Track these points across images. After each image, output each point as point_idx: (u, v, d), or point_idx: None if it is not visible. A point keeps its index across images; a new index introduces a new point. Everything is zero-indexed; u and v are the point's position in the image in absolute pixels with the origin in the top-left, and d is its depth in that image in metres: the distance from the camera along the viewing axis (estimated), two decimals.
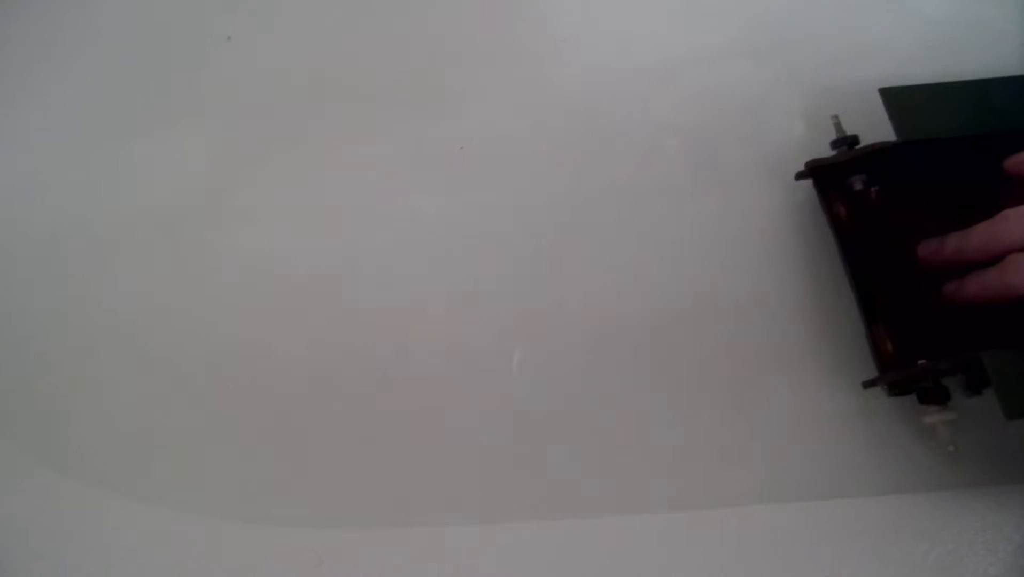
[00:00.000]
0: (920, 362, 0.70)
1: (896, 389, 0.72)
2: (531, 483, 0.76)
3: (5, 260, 0.85)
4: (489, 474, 0.77)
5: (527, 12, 0.97)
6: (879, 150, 0.75)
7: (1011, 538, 0.58)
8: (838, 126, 0.81)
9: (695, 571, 0.63)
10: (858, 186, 0.77)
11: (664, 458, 0.76)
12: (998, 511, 0.63)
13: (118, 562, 0.66)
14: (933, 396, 0.72)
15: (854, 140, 0.79)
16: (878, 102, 0.78)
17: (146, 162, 0.88)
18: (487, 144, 0.89)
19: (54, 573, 0.63)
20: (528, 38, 0.95)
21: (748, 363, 0.78)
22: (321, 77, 0.92)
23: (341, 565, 0.68)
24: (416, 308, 0.82)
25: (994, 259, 0.66)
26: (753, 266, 0.81)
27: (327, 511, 0.75)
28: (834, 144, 0.80)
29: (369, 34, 0.94)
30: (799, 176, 0.80)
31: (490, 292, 0.83)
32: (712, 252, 0.82)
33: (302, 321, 0.81)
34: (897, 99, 0.75)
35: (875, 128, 0.78)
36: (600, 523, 0.73)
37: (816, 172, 0.79)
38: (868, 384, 0.73)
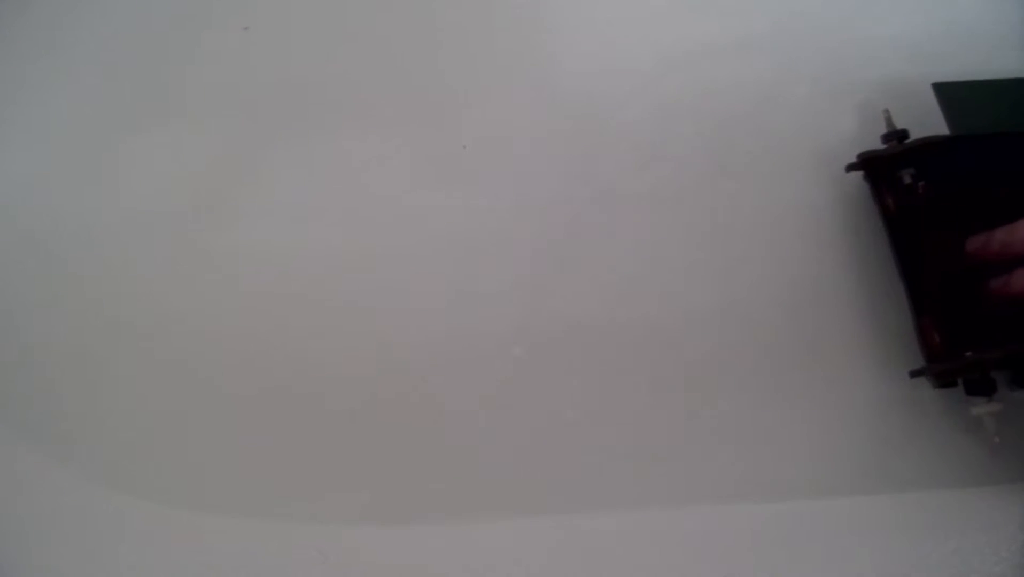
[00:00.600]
0: (967, 354, 0.71)
1: (943, 380, 0.73)
2: (561, 478, 0.77)
3: (5, 258, 0.85)
4: (500, 472, 0.77)
5: (530, 11, 0.96)
6: (930, 144, 0.76)
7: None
8: (888, 120, 0.81)
9: (734, 564, 0.65)
10: (907, 180, 0.78)
11: (707, 451, 0.77)
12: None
13: (117, 557, 0.68)
14: (980, 388, 0.73)
15: (904, 134, 0.80)
16: (927, 97, 0.79)
17: (145, 161, 0.88)
18: (491, 143, 0.89)
19: (52, 567, 0.64)
20: (533, 37, 0.95)
21: (795, 354, 0.79)
22: (323, 76, 0.92)
23: (344, 561, 0.69)
24: (418, 306, 0.83)
25: None
26: (802, 257, 0.82)
27: (329, 507, 0.76)
28: (885, 138, 0.81)
29: (371, 34, 0.94)
30: (850, 168, 0.81)
31: (494, 291, 0.83)
32: (760, 243, 0.83)
33: (302, 319, 0.82)
34: (950, 94, 0.76)
35: (924, 123, 0.79)
36: (644, 516, 0.75)
37: (867, 164, 0.80)
38: (915, 373, 0.74)
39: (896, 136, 0.80)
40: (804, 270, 0.83)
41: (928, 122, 0.79)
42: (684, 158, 0.87)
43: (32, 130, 0.91)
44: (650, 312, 0.82)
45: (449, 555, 0.70)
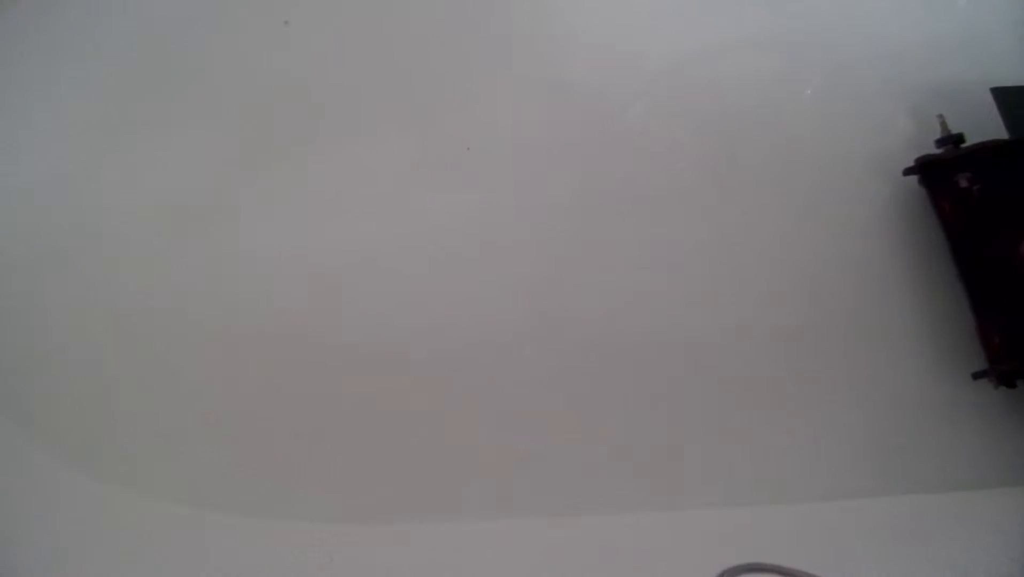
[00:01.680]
0: None
1: (1004, 380, 0.74)
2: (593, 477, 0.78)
3: (17, 256, 0.83)
4: (507, 473, 0.78)
5: (535, 13, 0.96)
6: (988, 148, 0.77)
7: None
8: (943, 124, 0.82)
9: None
10: (963, 184, 0.79)
11: (770, 452, 0.78)
12: None
13: (120, 553, 0.67)
14: None
15: (959, 138, 0.81)
16: (980, 101, 0.80)
17: (154, 161, 0.87)
18: (499, 144, 0.89)
19: (57, 563, 0.64)
20: (539, 37, 0.94)
21: (856, 357, 0.81)
22: (331, 80, 0.91)
23: (350, 560, 0.69)
24: (424, 305, 0.83)
25: None
26: (859, 260, 0.83)
27: (335, 507, 0.76)
28: (939, 142, 0.81)
29: (378, 37, 0.93)
30: (907, 172, 0.81)
31: (501, 292, 0.84)
32: (817, 245, 0.84)
33: (310, 319, 0.82)
34: (1009, 98, 0.77)
35: (979, 127, 0.80)
36: (702, 514, 0.76)
37: (924, 169, 0.81)
38: (977, 375, 0.75)
39: (951, 140, 0.81)
40: (857, 273, 0.83)
41: (983, 126, 0.80)
42: (720, 162, 0.88)
43: (42, 129, 0.88)
44: (695, 320, 0.83)
45: (454, 554, 0.70)
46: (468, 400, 0.80)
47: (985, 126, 0.80)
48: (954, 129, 0.81)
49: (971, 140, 0.80)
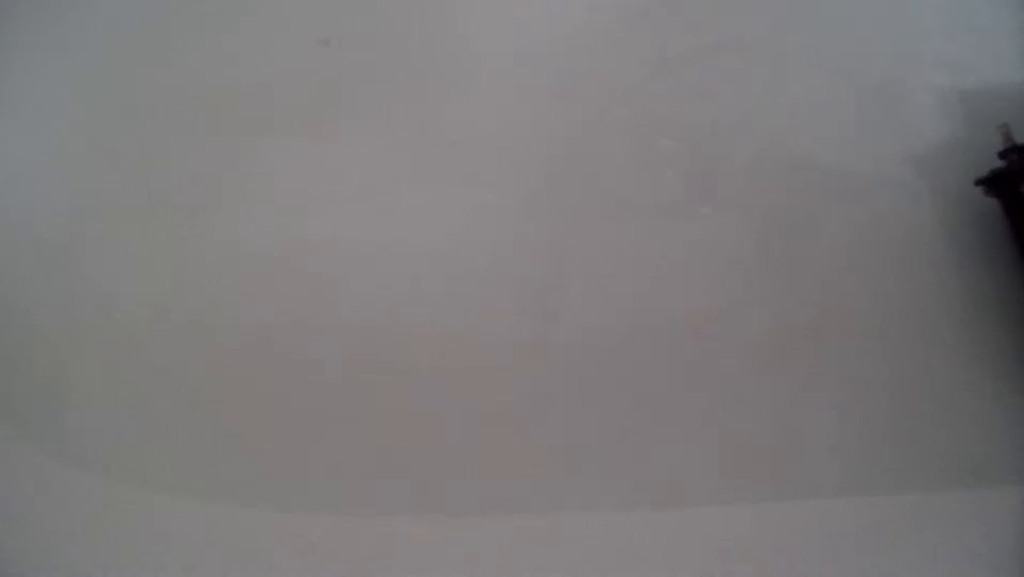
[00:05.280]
0: None
1: None
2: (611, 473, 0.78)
3: (7, 250, 0.84)
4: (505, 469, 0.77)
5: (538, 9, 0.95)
6: None
7: None
8: (1006, 135, 0.82)
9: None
10: None
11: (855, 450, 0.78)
12: None
13: (104, 542, 0.69)
14: None
15: (1023, 149, 0.80)
16: None
17: (142, 153, 0.87)
18: (488, 142, 0.88)
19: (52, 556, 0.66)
20: (536, 31, 0.93)
21: (914, 366, 0.80)
22: (323, 74, 0.91)
23: (334, 552, 0.70)
24: (414, 301, 0.83)
25: None
26: (919, 269, 0.82)
27: (320, 497, 0.76)
28: (1002, 154, 0.81)
29: (369, 32, 0.93)
30: (978, 183, 0.81)
31: (496, 291, 0.83)
32: (875, 253, 0.83)
33: (299, 312, 0.82)
34: None
35: None
36: (755, 509, 0.75)
37: (993, 180, 0.80)
38: None
39: (1017, 151, 0.80)
40: (915, 283, 0.83)
41: None
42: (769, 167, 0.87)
43: (34, 122, 0.90)
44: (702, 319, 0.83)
45: (440, 548, 0.71)
46: (459, 394, 0.80)
47: None
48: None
49: None
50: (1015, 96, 0.86)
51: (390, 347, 0.81)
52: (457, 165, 0.88)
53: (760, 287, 0.83)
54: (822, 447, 0.78)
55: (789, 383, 0.80)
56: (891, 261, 0.84)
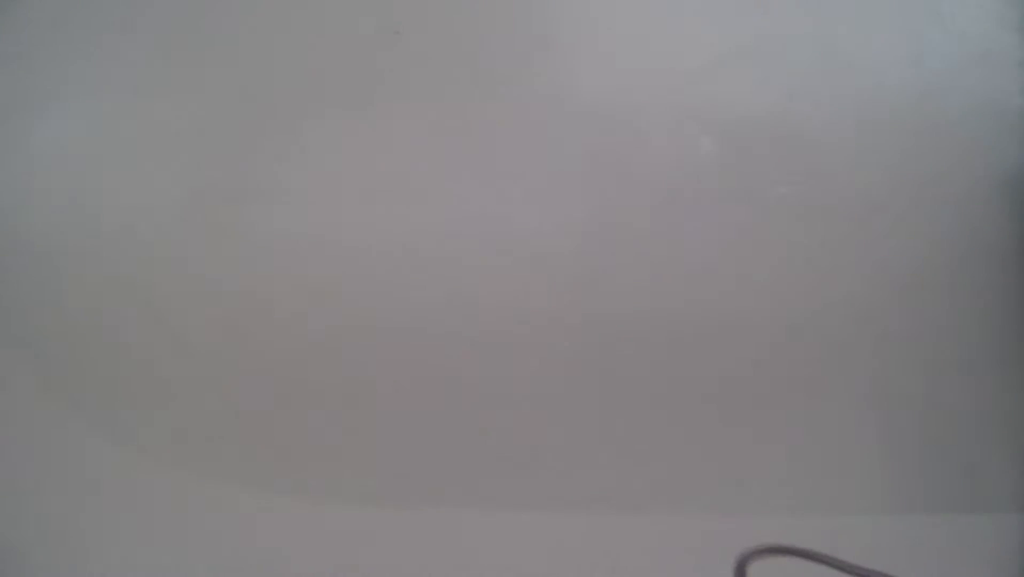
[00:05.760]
0: None
1: None
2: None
3: (51, 238, 0.82)
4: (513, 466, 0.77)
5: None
6: None
7: None
8: None
9: None
10: None
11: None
12: None
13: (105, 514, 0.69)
14: None
15: None
16: None
17: (174, 136, 0.86)
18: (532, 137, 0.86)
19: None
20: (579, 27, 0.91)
21: (951, 388, 0.78)
22: (363, 61, 0.88)
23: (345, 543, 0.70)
24: (446, 294, 0.82)
25: None
26: (974, 299, 0.80)
27: (335, 490, 0.75)
28: None
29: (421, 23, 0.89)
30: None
31: (521, 286, 0.82)
32: (919, 270, 0.81)
33: (326, 305, 0.81)
34: None
35: None
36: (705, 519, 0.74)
37: None
38: None
39: None
40: (956, 302, 0.81)
41: None
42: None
43: (80, 113, 0.87)
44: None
45: (449, 543, 0.70)
46: (490, 390, 0.79)
47: None
48: None
49: None
50: None
51: (442, 337, 0.80)
52: (497, 157, 0.86)
53: (798, 293, 0.82)
54: (849, 462, 0.77)
55: (824, 396, 0.79)
56: (933, 280, 0.82)
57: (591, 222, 0.84)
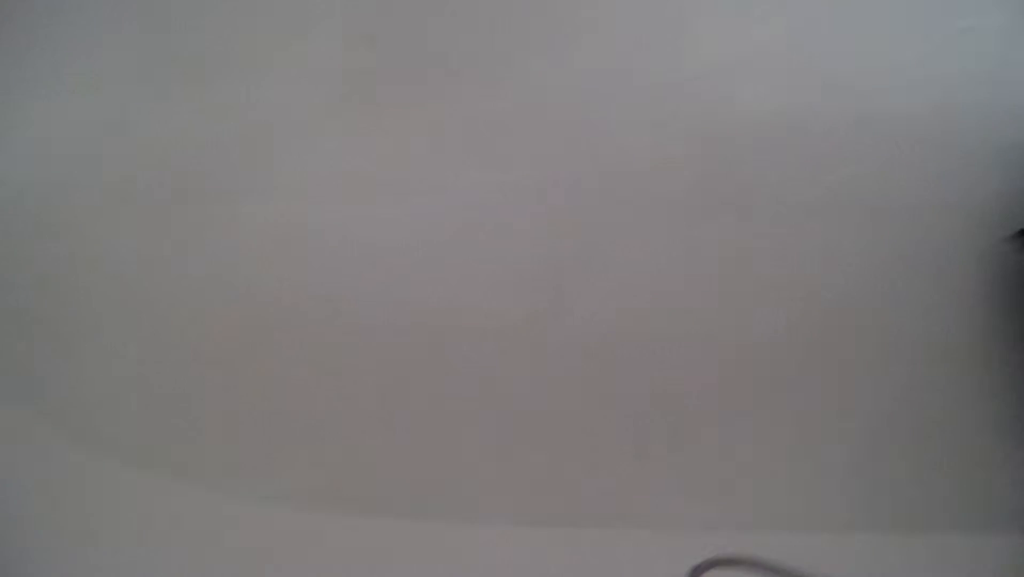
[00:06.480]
0: None
1: None
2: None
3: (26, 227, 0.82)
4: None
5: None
6: None
7: None
8: None
9: None
10: None
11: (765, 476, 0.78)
12: None
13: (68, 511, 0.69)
14: None
15: None
16: None
17: (178, 124, 0.86)
18: (516, 132, 0.87)
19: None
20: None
21: (934, 408, 0.79)
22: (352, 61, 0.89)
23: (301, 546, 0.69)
24: (427, 288, 0.82)
25: None
26: (946, 320, 0.82)
27: (290, 490, 0.75)
28: None
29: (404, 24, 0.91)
30: (1009, 238, 0.80)
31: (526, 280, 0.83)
32: (904, 291, 0.83)
33: (311, 299, 0.82)
34: None
35: None
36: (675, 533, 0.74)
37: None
38: None
39: None
40: (941, 326, 0.82)
41: None
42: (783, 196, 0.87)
43: (63, 103, 0.87)
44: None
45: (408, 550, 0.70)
46: (452, 395, 0.80)
47: None
48: None
49: None
50: None
51: (412, 336, 0.81)
52: (480, 154, 0.87)
53: (776, 307, 0.83)
54: (832, 480, 0.78)
55: (801, 411, 0.80)
56: (920, 302, 0.83)
57: (571, 225, 0.85)
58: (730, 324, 0.82)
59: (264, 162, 0.85)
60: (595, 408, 0.80)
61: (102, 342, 0.80)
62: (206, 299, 0.81)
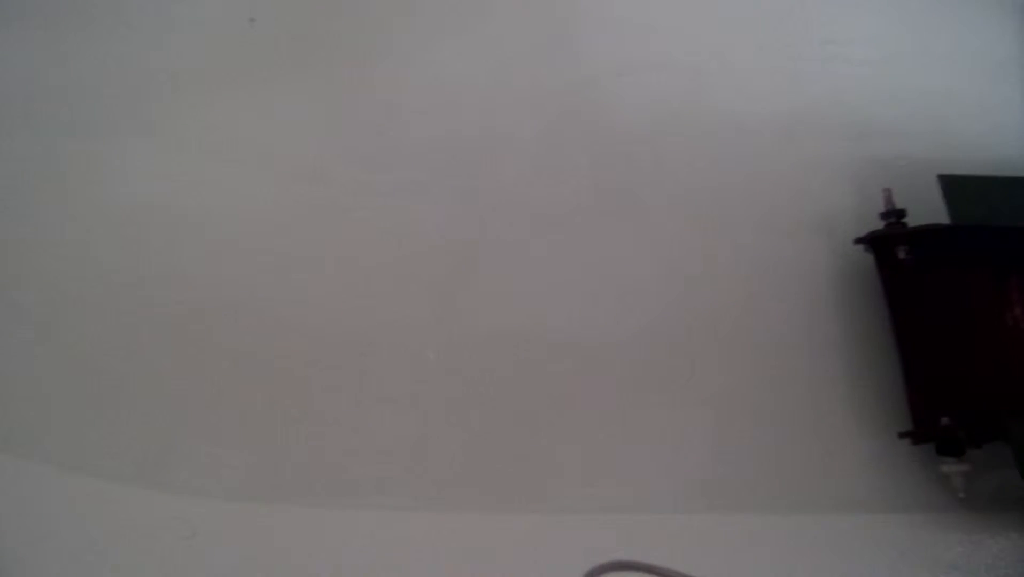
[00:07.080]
0: (943, 420, 0.80)
1: (919, 439, 0.82)
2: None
3: None
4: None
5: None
6: (930, 230, 0.85)
7: None
8: (888, 198, 0.89)
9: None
10: (902, 255, 0.85)
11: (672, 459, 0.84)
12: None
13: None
14: (950, 449, 0.82)
15: (902, 213, 0.88)
16: (929, 180, 0.88)
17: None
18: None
19: None
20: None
21: (791, 401, 0.87)
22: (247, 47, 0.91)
23: (216, 538, 0.69)
24: (313, 293, 0.84)
25: None
26: (801, 316, 0.90)
27: (204, 482, 0.75)
28: (884, 215, 0.89)
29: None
30: (857, 241, 0.88)
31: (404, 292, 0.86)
32: (762, 297, 0.91)
33: (215, 294, 0.82)
34: (954, 186, 0.84)
35: (921, 199, 0.88)
36: (581, 518, 0.79)
37: (871, 240, 0.88)
38: (903, 435, 0.83)
39: (895, 215, 0.88)
40: (801, 324, 0.91)
41: (926, 199, 0.88)
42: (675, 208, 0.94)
43: None
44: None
45: (315, 539, 0.71)
46: (371, 396, 0.82)
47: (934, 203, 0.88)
48: (903, 203, 0.89)
49: (919, 214, 0.88)
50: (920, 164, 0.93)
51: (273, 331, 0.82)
52: (382, 152, 0.90)
53: (658, 309, 0.89)
54: (694, 464, 0.84)
55: (671, 399, 0.86)
56: (783, 303, 0.92)
57: (459, 234, 0.89)
58: (604, 324, 0.88)
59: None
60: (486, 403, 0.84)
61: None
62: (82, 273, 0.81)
